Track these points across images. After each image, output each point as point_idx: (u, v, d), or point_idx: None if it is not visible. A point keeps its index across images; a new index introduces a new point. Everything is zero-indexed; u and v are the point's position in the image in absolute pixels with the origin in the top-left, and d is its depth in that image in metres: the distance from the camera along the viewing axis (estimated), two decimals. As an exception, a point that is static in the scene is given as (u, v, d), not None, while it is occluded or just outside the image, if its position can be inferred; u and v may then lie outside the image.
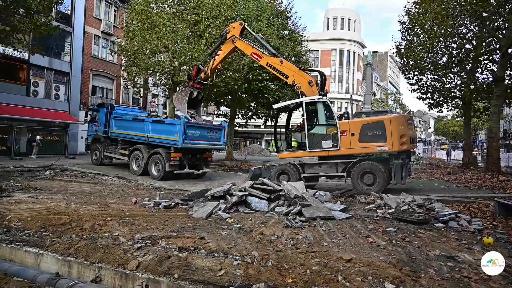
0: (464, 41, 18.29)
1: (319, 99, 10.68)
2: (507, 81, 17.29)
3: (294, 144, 11.78)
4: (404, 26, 20.53)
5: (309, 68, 11.54)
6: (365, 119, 10.51)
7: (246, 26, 12.54)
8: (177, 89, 20.29)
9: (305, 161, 11.33)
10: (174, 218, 6.60)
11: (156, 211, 7.25)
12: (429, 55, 19.28)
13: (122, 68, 21.70)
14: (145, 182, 12.32)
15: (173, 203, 7.76)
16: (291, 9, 24.89)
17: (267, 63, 11.62)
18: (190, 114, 13.50)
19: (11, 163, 15.30)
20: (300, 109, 11.72)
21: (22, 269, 4.58)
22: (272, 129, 11.93)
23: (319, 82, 11.19)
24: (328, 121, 10.56)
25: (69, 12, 25.43)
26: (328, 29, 55.17)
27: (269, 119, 25.90)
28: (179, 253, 4.43)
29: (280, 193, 7.75)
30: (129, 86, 22.43)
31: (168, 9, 18.77)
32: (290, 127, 12.40)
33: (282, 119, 12.72)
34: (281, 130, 12.16)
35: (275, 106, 12.41)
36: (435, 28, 16.74)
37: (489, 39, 17.09)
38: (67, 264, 4.61)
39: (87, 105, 26.30)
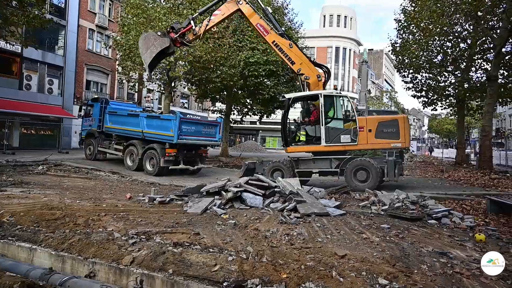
0: (459, 40, 18.38)
1: (337, 93, 10.76)
2: (501, 80, 17.42)
3: (302, 138, 11.34)
4: (400, 24, 20.56)
5: (317, 62, 11.03)
6: (381, 116, 10.99)
7: None
8: (172, 84, 20.15)
9: (299, 157, 11.34)
10: (169, 214, 6.58)
11: (150, 207, 7.22)
12: (424, 53, 19.35)
13: (117, 62, 21.47)
14: (140, 178, 12.25)
15: (168, 199, 7.72)
16: (287, 5, 24.76)
17: (274, 41, 10.83)
18: (147, 74, 12.34)
19: (3, 158, 15.14)
20: (297, 104, 11.68)
21: (15, 264, 4.53)
22: (278, 124, 11.64)
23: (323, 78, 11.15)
24: (347, 116, 10.65)
25: (63, 5, 25.12)
26: (324, 26, 55.25)
27: (265, 115, 25.89)
28: (174, 249, 4.42)
29: (275, 189, 7.78)
30: (124, 81, 22.24)
31: (164, 3, 18.59)
32: (287, 122, 12.26)
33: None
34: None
35: (287, 95, 11.43)
36: (430, 26, 16.78)
37: (484, 38, 17.20)
38: (61, 259, 4.58)
39: (81, 100, 26.03)
